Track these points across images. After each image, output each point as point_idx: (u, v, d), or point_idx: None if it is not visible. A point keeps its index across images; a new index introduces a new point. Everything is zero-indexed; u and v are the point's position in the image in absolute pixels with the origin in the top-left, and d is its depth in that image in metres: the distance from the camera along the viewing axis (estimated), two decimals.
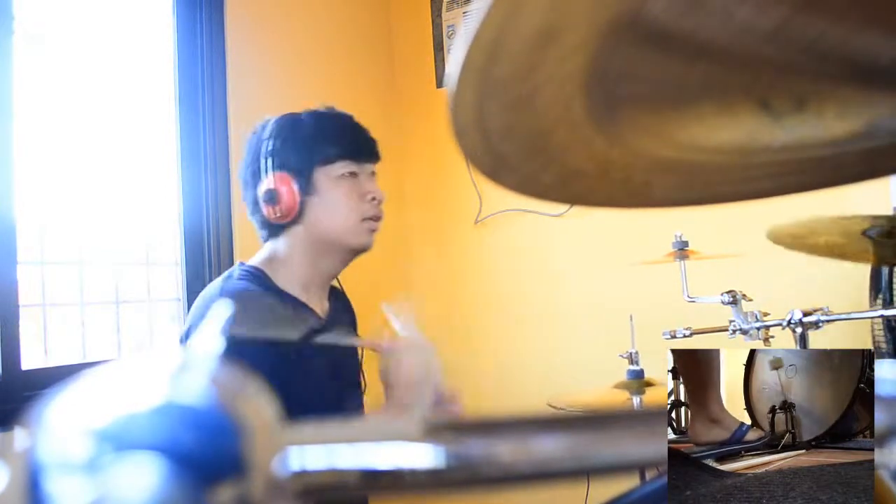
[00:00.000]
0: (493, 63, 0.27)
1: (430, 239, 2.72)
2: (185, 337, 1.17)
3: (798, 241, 1.19)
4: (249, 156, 1.23)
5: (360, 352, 1.39)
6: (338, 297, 1.37)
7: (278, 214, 1.18)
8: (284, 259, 1.23)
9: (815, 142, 0.37)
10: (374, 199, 1.23)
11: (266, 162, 1.18)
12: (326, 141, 1.21)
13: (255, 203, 1.22)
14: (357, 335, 1.41)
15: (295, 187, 1.18)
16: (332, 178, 1.21)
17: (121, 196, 1.85)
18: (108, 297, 1.80)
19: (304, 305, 1.22)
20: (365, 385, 1.39)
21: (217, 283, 1.19)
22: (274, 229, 1.23)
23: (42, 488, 0.20)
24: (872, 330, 1.69)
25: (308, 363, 1.17)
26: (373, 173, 1.26)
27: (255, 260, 1.24)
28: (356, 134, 1.25)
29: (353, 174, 1.22)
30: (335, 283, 1.34)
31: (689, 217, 1.92)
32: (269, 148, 1.19)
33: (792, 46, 0.30)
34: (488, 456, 0.24)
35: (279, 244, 1.24)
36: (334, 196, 1.20)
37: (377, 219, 1.24)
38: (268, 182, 1.18)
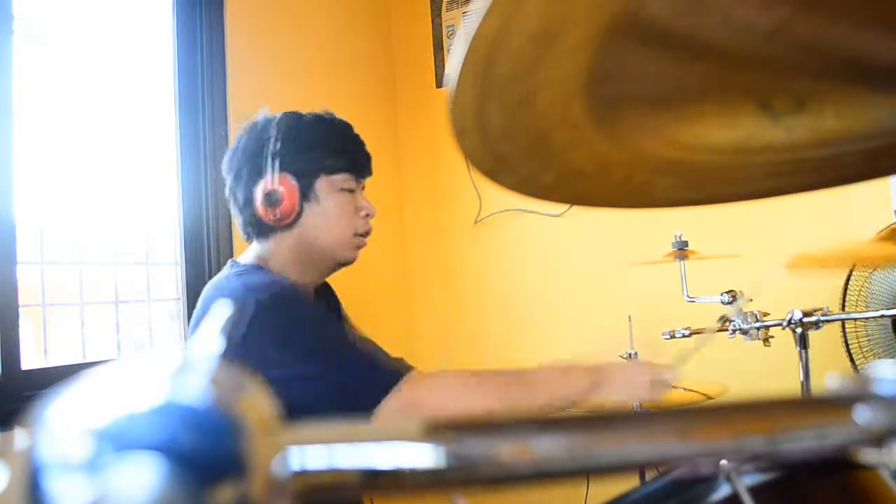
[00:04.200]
0: (492, 63, 0.27)
1: (430, 239, 2.72)
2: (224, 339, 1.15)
3: None
4: (248, 151, 1.18)
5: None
6: (322, 293, 1.33)
7: (276, 217, 1.15)
8: (272, 263, 1.19)
9: (815, 142, 0.37)
10: (367, 215, 1.22)
11: (271, 161, 1.14)
12: (333, 151, 1.19)
13: (248, 200, 1.17)
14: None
15: (296, 191, 1.15)
16: (333, 189, 1.18)
17: (120, 196, 1.85)
18: (107, 297, 1.80)
19: None
20: None
21: (229, 278, 1.15)
22: (262, 230, 1.19)
23: (42, 488, 0.20)
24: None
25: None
26: (363, 188, 1.25)
27: (247, 259, 1.21)
28: (359, 148, 1.23)
29: (350, 190, 1.20)
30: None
31: (689, 217, 1.91)
32: (276, 147, 1.14)
33: (792, 46, 0.30)
34: (488, 456, 0.24)
35: (265, 247, 1.20)
36: (333, 207, 1.18)
37: (367, 234, 1.23)
38: (271, 182, 1.14)
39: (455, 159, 2.46)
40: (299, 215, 1.17)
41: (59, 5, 1.77)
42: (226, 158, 1.22)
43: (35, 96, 1.66)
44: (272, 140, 1.15)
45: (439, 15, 2.72)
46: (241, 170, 1.18)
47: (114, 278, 1.81)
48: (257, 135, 1.18)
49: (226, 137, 2.03)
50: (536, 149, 0.34)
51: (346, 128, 1.23)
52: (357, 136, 1.23)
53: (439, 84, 2.70)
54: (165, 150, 1.97)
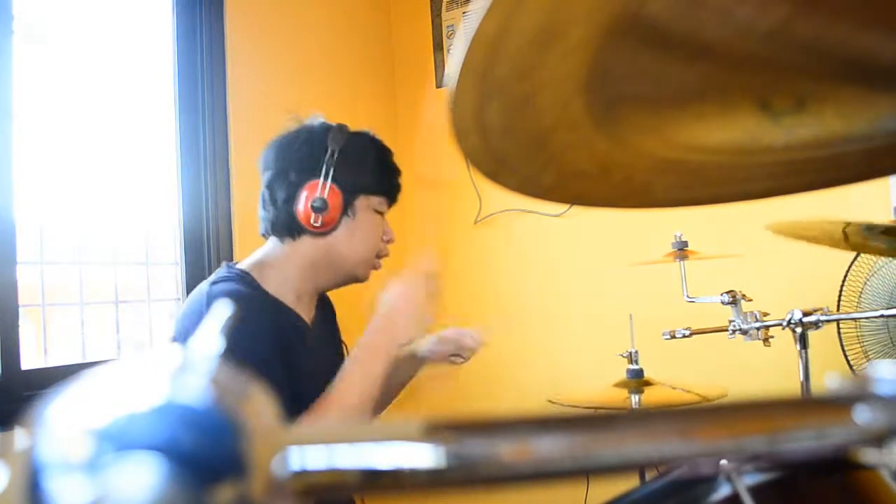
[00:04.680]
0: (492, 63, 0.27)
1: (430, 239, 2.72)
2: (177, 341, 1.16)
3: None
4: (299, 153, 1.20)
5: (345, 353, 1.39)
6: (324, 306, 1.36)
7: (317, 223, 1.18)
8: (281, 265, 1.21)
9: (814, 142, 0.37)
10: (389, 240, 1.28)
11: (327, 169, 1.18)
12: (379, 173, 1.25)
13: (290, 199, 1.19)
14: (342, 342, 1.41)
15: (340, 204, 1.19)
16: (369, 209, 1.24)
17: (120, 196, 1.85)
18: (107, 297, 1.80)
19: (290, 310, 1.20)
20: None
21: (204, 285, 1.17)
22: (291, 230, 1.21)
23: (42, 488, 0.20)
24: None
25: (301, 364, 1.16)
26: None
27: (244, 263, 1.22)
28: (398, 176, 1.28)
29: (381, 212, 1.26)
30: None
31: (689, 217, 1.92)
32: (333, 157, 1.18)
33: (792, 46, 0.30)
34: (488, 456, 0.24)
35: (282, 248, 1.22)
36: (366, 226, 1.23)
37: (384, 257, 1.29)
38: (322, 190, 1.17)
39: (455, 159, 2.45)
40: (335, 227, 1.21)
41: (59, 5, 1.77)
42: (270, 153, 1.24)
43: (35, 96, 1.66)
44: (329, 150, 1.19)
45: (439, 15, 2.72)
46: (288, 169, 1.20)
47: (114, 278, 1.81)
48: (312, 140, 1.21)
49: (226, 137, 2.03)
50: (536, 149, 0.34)
51: (391, 154, 1.28)
52: (397, 165, 1.28)
53: (439, 84, 2.70)
54: (165, 150, 1.97)
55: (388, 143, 1.29)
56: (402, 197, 1.30)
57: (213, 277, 1.19)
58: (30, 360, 1.58)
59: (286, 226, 1.21)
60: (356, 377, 1.09)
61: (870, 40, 0.30)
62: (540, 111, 0.31)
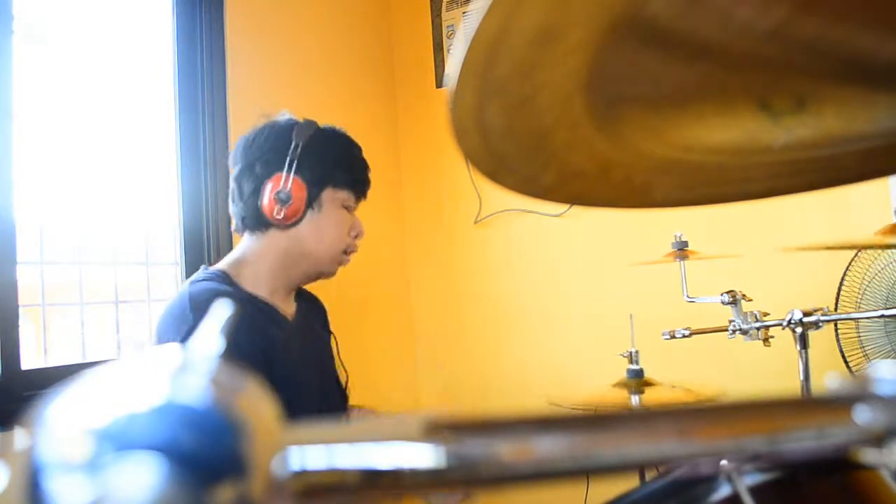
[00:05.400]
0: (492, 63, 0.27)
1: (430, 239, 2.72)
2: (158, 344, 1.17)
3: None
4: (265, 147, 1.22)
5: (334, 344, 1.40)
6: (305, 298, 1.37)
7: (282, 216, 1.19)
8: (254, 261, 1.23)
9: (814, 142, 0.37)
10: (357, 235, 1.28)
11: (291, 162, 1.19)
12: (345, 167, 1.25)
13: (255, 192, 1.21)
14: (328, 332, 1.42)
15: (304, 196, 1.20)
16: (335, 203, 1.24)
17: (120, 196, 1.85)
18: (107, 297, 1.80)
19: (268, 305, 1.22)
20: (346, 377, 1.39)
21: (183, 287, 1.19)
22: (258, 224, 1.23)
23: (42, 488, 0.20)
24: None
25: (284, 361, 1.17)
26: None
27: (221, 264, 1.25)
28: (366, 170, 1.29)
29: (349, 207, 1.27)
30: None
31: (689, 217, 1.92)
32: (297, 150, 1.19)
33: (792, 46, 0.30)
34: (488, 456, 0.24)
35: (253, 243, 1.24)
36: (331, 220, 1.24)
37: (352, 253, 1.29)
38: (286, 182, 1.19)
39: (455, 159, 2.46)
40: (300, 220, 1.21)
41: (59, 5, 1.77)
42: (238, 148, 1.26)
43: (35, 96, 1.66)
44: (293, 143, 1.20)
45: (439, 15, 2.72)
46: (255, 163, 1.22)
47: (114, 278, 1.81)
48: (277, 134, 1.22)
49: (226, 137, 2.03)
50: (536, 149, 0.34)
51: (358, 149, 1.29)
52: (365, 160, 1.29)
53: (439, 84, 2.70)
54: (165, 150, 1.97)
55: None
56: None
57: (191, 279, 1.20)
58: (30, 360, 1.58)
59: (253, 218, 1.22)
60: None
61: (870, 40, 0.30)
62: (540, 111, 0.31)
